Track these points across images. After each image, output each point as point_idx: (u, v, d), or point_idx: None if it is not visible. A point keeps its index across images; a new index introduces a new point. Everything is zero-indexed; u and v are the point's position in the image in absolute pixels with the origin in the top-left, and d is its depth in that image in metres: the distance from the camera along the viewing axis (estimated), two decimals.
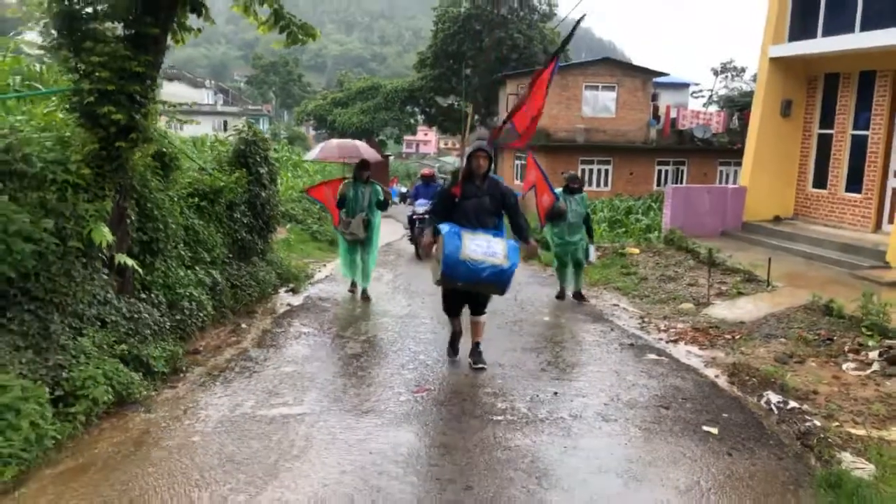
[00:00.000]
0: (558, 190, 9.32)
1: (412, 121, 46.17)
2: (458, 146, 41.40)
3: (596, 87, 28.04)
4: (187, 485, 3.75)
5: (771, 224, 13.58)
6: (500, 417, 5.00)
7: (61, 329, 4.97)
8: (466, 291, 5.93)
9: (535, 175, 9.34)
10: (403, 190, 42.85)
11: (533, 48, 38.20)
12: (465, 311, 6.31)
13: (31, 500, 3.55)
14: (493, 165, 6.19)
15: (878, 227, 12.17)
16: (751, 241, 12.88)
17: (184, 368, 5.84)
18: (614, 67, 29.02)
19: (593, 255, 9.79)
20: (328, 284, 10.57)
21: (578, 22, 7.11)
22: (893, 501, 3.83)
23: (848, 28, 11.91)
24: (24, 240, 4.52)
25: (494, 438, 4.60)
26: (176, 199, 7.37)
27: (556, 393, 5.58)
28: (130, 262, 6.02)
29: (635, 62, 39.69)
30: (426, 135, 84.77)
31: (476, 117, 40.55)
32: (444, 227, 5.78)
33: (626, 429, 4.90)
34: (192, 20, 6.56)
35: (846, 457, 4.62)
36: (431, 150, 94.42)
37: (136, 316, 5.90)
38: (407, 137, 52.04)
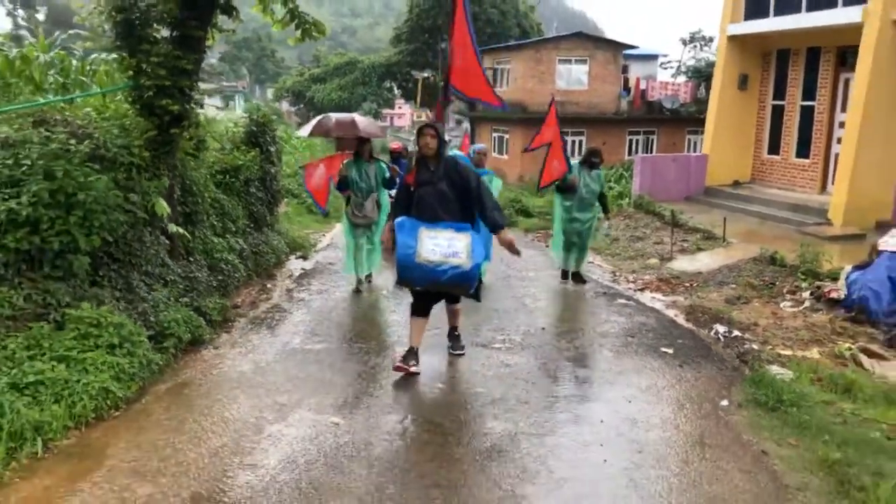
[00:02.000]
0: (575, 162, 8.90)
1: (390, 95, 46.95)
2: (430, 116, 42.36)
3: (569, 61, 29.11)
4: (267, 395, 4.92)
5: (730, 188, 14.91)
6: (499, 346, 6.22)
7: (139, 284, 6.09)
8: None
9: (553, 133, 8.59)
10: None
11: (507, 22, 39.12)
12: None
13: (151, 406, 4.69)
14: (444, 142, 5.50)
15: (823, 188, 13.55)
16: (712, 204, 14.19)
17: (231, 318, 6.96)
18: (586, 41, 30.08)
19: (608, 231, 9.73)
20: (332, 251, 11.66)
21: None
22: (792, 385, 5.11)
23: (795, 9, 13.16)
24: (119, 212, 5.60)
25: (498, 359, 5.83)
26: (207, 176, 8.43)
27: (543, 328, 6.81)
28: (182, 230, 7.14)
29: (606, 33, 40.81)
30: (400, 108, 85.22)
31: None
32: (398, 224, 5.24)
33: (601, 351, 6.16)
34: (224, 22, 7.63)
35: (773, 368, 5.89)
36: (406, 123, 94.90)
37: (189, 275, 7.01)
38: (385, 111, 52.70)
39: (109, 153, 5.98)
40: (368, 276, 8.75)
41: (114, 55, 8.66)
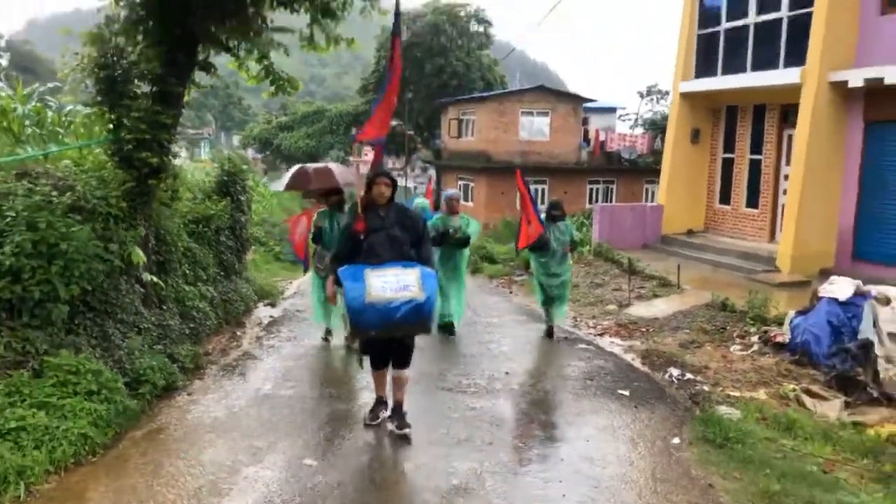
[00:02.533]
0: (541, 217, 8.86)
1: (356, 144, 47.50)
2: (398, 165, 42.99)
3: (531, 113, 30.03)
4: (242, 439, 5.11)
5: (685, 236, 15.52)
6: (464, 390, 6.49)
7: (114, 332, 6.25)
8: (389, 338, 5.10)
9: (523, 200, 8.75)
10: None
11: (471, 74, 40.15)
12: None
13: (129, 451, 4.85)
14: (395, 192, 5.34)
15: (772, 237, 14.20)
16: (667, 252, 14.75)
17: (203, 365, 7.12)
18: (548, 94, 31.12)
19: None
20: (299, 299, 11.84)
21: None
22: (738, 424, 5.47)
23: (742, 69, 13.97)
24: (97, 261, 5.81)
25: (463, 403, 6.10)
26: (181, 225, 8.65)
27: (507, 372, 7.09)
28: (155, 279, 7.34)
29: (567, 85, 42.07)
30: (367, 155, 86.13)
31: (418, 139, 42.28)
32: (342, 272, 5.01)
33: (562, 393, 6.48)
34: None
35: (722, 408, 6.25)
36: (352, 170, 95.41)
37: (162, 323, 7.18)
38: (352, 158, 53.28)
39: (89, 204, 6.19)
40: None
41: (90, 108, 8.97)
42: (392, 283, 4.85)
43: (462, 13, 42.48)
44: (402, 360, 5.28)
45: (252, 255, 15.61)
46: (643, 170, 30.00)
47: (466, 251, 9.00)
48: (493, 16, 43.34)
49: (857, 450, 5.34)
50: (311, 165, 9.23)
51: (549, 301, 8.86)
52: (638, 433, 5.50)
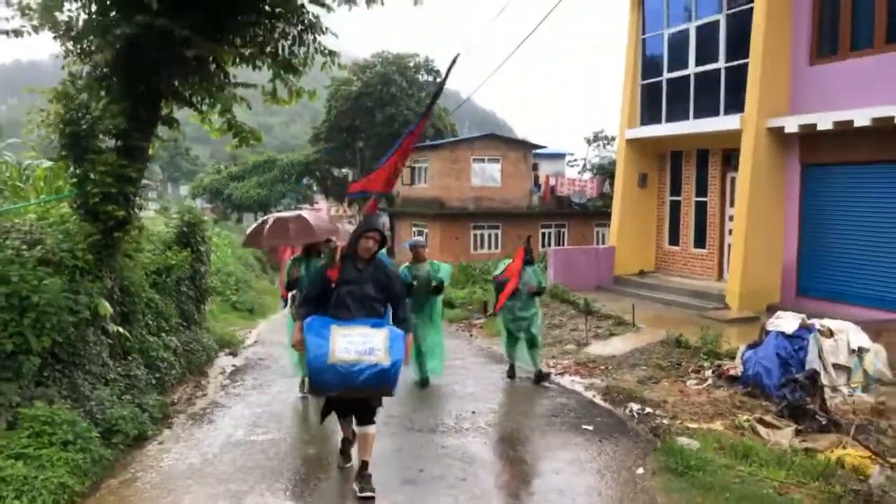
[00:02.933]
0: (507, 261, 9.12)
1: (309, 192, 47.66)
2: (347, 212, 43.20)
3: (483, 160, 30.70)
4: (219, 484, 5.15)
5: (637, 277, 16.02)
6: (433, 430, 6.63)
7: (83, 383, 6.24)
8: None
9: (515, 267, 8.71)
10: None
11: None
12: None
13: (107, 499, 4.86)
14: (381, 248, 5.24)
15: (720, 275, 14.79)
16: (621, 292, 15.19)
17: (171, 415, 7.11)
18: (498, 142, 31.91)
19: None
20: (260, 347, 11.85)
21: (453, 62, 6.15)
22: (698, 453, 5.73)
23: (684, 116, 14.71)
24: (67, 313, 5.84)
25: (434, 441, 6.23)
26: (143, 276, 8.66)
27: (473, 412, 7.25)
28: (121, 330, 7.34)
29: (515, 132, 43.05)
30: (317, 203, 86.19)
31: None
32: (307, 325, 4.87)
33: (528, 430, 6.66)
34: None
35: (681, 439, 6.50)
36: (323, 216, 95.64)
37: (129, 374, 7.16)
38: (304, 206, 53.31)
39: (56, 257, 6.23)
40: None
41: (49, 162, 9.00)
42: (357, 345, 4.68)
43: (411, 63, 43.43)
44: (366, 418, 5.05)
45: (210, 304, 15.57)
46: (593, 213, 30.81)
47: (439, 299, 8.72)
48: (440, 65, 44.37)
49: (808, 473, 5.62)
50: (288, 216, 8.62)
51: (514, 343, 8.88)
52: (604, 465, 5.71)
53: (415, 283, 8.25)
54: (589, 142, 50.05)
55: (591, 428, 6.73)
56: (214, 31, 7.21)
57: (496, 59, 20.55)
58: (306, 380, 5.12)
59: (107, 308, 6.85)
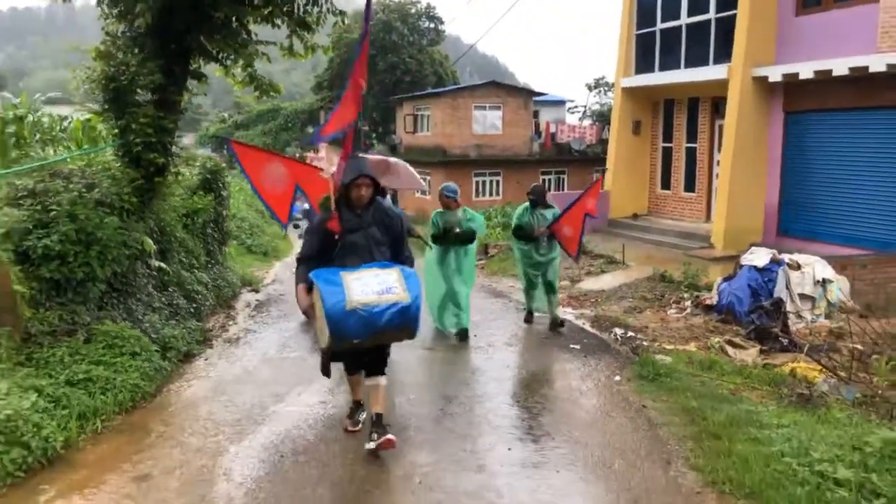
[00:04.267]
0: (524, 205, 8.62)
1: (312, 140, 48.14)
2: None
3: (484, 108, 31.20)
4: (263, 387, 6.13)
5: (630, 220, 16.89)
6: (433, 348, 7.61)
7: (136, 309, 7.19)
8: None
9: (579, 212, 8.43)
10: (306, 206, 44.61)
11: (424, 71, 41.17)
12: None
13: (171, 398, 5.84)
14: (376, 193, 4.83)
15: (707, 217, 15.64)
16: (615, 234, 16.08)
17: (209, 338, 8.07)
18: (499, 89, 32.32)
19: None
20: (279, 285, 12.78)
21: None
22: (668, 366, 6.69)
23: (676, 65, 15.37)
24: (123, 247, 6.75)
25: (442, 358, 7.21)
26: (176, 218, 9.55)
27: (475, 335, 8.20)
28: (162, 264, 8.27)
29: (517, 78, 43.23)
30: (318, 151, 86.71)
31: (374, 135, 43.11)
32: (315, 275, 4.49)
33: (523, 349, 7.64)
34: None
35: (657, 357, 7.47)
36: (324, 164, 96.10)
37: (171, 303, 8.12)
38: (309, 155, 53.81)
39: (108, 199, 7.11)
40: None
41: (87, 115, 9.80)
42: (373, 286, 4.37)
43: (413, 10, 43.48)
44: (378, 367, 4.83)
45: (229, 247, 16.51)
46: (592, 159, 31.40)
47: (471, 249, 8.26)
48: (441, 12, 44.44)
49: (762, 381, 6.58)
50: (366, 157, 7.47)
51: (532, 289, 8.77)
52: (586, 374, 6.69)
53: (445, 230, 7.98)
54: (590, 88, 50.31)
55: (577, 347, 7.69)
56: None
57: (499, 4, 20.98)
58: (324, 335, 4.46)
59: (151, 245, 7.79)
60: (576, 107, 43.40)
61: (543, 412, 5.61)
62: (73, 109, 14.49)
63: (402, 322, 4.41)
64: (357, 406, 5.26)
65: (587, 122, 37.92)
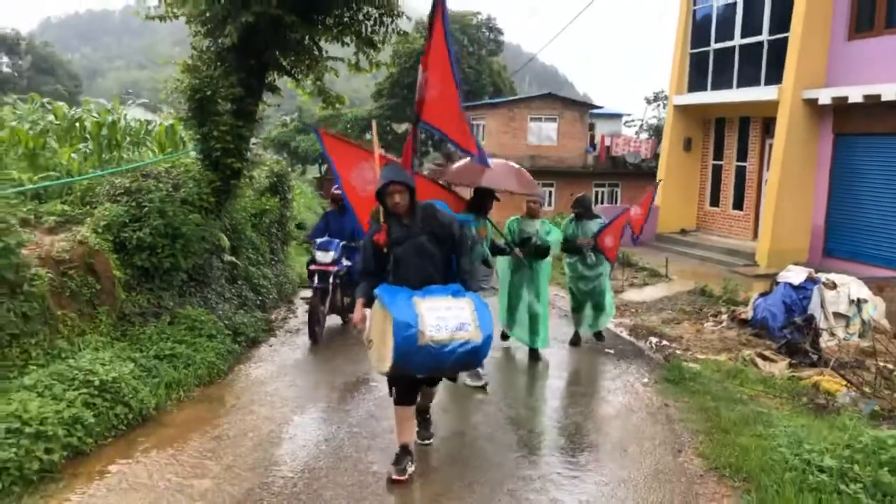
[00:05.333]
0: (568, 217, 8.57)
1: (370, 147, 49.30)
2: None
3: (540, 119, 31.73)
4: (315, 372, 6.85)
5: (678, 235, 17.21)
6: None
7: (211, 298, 8.01)
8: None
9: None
10: None
11: (482, 80, 41.93)
12: None
13: (242, 376, 6.60)
14: (413, 197, 4.50)
15: (755, 236, 15.87)
16: (661, 248, 16.43)
17: (273, 328, 8.85)
18: (556, 101, 32.79)
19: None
20: None
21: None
22: (692, 371, 7.16)
23: (728, 85, 15.68)
24: (202, 242, 7.57)
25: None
26: (245, 217, 10.40)
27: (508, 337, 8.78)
28: (234, 259, 9.10)
29: (576, 87, 43.43)
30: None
31: (430, 143, 43.99)
32: (383, 294, 4.23)
33: (564, 352, 8.18)
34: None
35: (687, 364, 7.94)
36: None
37: (240, 294, 8.94)
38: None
39: (191, 198, 7.95)
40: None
41: (170, 120, 10.74)
42: (448, 320, 4.11)
43: (473, 21, 44.30)
44: (436, 383, 4.85)
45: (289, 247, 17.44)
46: (647, 173, 31.58)
47: (547, 263, 7.79)
48: (502, 24, 45.11)
49: (784, 390, 7.00)
50: (500, 163, 7.39)
51: (580, 307, 8.45)
52: (616, 375, 7.22)
53: (522, 241, 7.55)
54: (648, 102, 50.27)
55: (612, 352, 8.21)
56: (311, 15, 8.74)
57: (560, 15, 21.49)
58: (381, 361, 4.19)
59: (225, 241, 8.62)
60: (632, 120, 43.46)
61: (572, 405, 6.18)
62: (143, 110, 15.54)
63: (470, 360, 4.27)
64: (404, 452, 4.53)
65: (643, 136, 38.03)
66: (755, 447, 4.74)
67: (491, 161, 6.61)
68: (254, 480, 4.33)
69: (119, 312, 6.39)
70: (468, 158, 6.35)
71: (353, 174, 5.64)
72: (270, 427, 5.27)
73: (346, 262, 8.73)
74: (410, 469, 4.51)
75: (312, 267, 8.52)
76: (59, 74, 68.10)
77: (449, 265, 4.57)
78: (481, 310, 4.27)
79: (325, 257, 8.46)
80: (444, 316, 4.12)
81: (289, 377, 6.67)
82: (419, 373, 4.21)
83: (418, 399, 4.73)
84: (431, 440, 5.04)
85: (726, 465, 4.62)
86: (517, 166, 7.43)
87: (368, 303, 4.45)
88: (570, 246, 8.22)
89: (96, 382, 4.91)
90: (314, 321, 8.05)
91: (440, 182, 6.74)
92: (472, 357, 4.21)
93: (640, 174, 31.96)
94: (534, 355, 7.75)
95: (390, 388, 4.62)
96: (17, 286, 5.25)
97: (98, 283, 6.15)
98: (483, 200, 6.78)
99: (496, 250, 7.14)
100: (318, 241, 8.77)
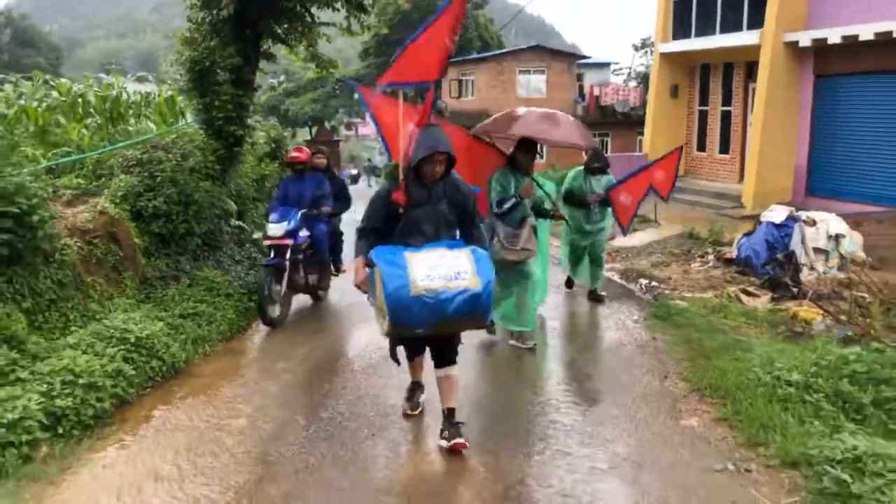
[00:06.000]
0: (578, 169, 8.19)
1: (358, 107, 49.30)
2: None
3: (528, 72, 31.88)
4: (327, 324, 7.33)
5: None
6: None
7: (224, 261, 8.45)
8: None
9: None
10: (354, 172, 45.83)
11: (468, 35, 41.75)
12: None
13: (257, 334, 7.08)
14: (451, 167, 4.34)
15: (741, 179, 16.32)
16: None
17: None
18: (543, 53, 32.90)
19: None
20: None
21: None
22: (679, 308, 7.67)
23: (711, 31, 15.96)
24: (212, 208, 7.98)
25: None
26: (248, 182, 10.79)
27: None
28: (241, 223, 9.52)
29: (563, 37, 43.27)
30: (367, 122, 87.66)
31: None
32: (376, 254, 4.09)
33: (558, 297, 8.67)
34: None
35: (674, 302, 8.44)
36: (371, 132, 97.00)
37: (249, 256, 9.38)
38: (357, 121, 55.06)
39: (198, 167, 8.34)
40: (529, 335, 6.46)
41: (168, 92, 11.04)
42: (441, 270, 3.95)
43: None
44: (449, 356, 4.42)
45: None
46: (636, 121, 31.85)
47: (545, 226, 6.91)
48: None
49: (765, 321, 7.51)
50: (532, 112, 6.52)
51: (578, 261, 8.34)
52: (609, 314, 7.73)
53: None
54: (636, 49, 50.15)
55: (604, 293, 8.70)
56: None
57: None
58: (384, 321, 4.06)
59: (232, 206, 9.04)
60: (620, 69, 43.50)
61: (569, 343, 6.70)
62: (131, 79, 15.75)
63: (472, 311, 3.96)
64: (416, 386, 4.82)
65: (632, 84, 38.15)
66: (732, 369, 5.25)
67: (523, 110, 6.37)
68: (283, 418, 4.84)
69: (141, 277, 6.85)
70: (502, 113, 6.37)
71: (397, 133, 4.94)
72: (290, 374, 5.77)
73: (304, 234, 7.67)
74: (420, 399, 4.82)
75: (266, 242, 7.57)
76: (40, 47, 67.42)
77: (457, 232, 4.42)
78: (480, 258, 4.07)
79: (277, 230, 7.33)
80: (435, 265, 3.97)
81: (306, 332, 7.15)
82: (419, 328, 4.00)
83: (441, 397, 4.44)
84: (465, 440, 4.27)
85: (707, 385, 5.15)
86: (557, 113, 6.58)
87: (370, 263, 4.15)
88: (577, 200, 7.92)
89: (132, 339, 5.37)
90: (266, 301, 6.94)
91: (482, 137, 6.37)
92: (472, 305, 3.93)
93: (630, 122, 32.23)
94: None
95: (393, 351, 4.52)
96: (50, 256, 5.69)
97: (121, 251, 6.60)
98: (522, 154, 6.18)
99: (539, 213, 6.46)
100: (272, 213, 7.62)
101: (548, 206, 6.62)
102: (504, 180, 6.12)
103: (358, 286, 4.29)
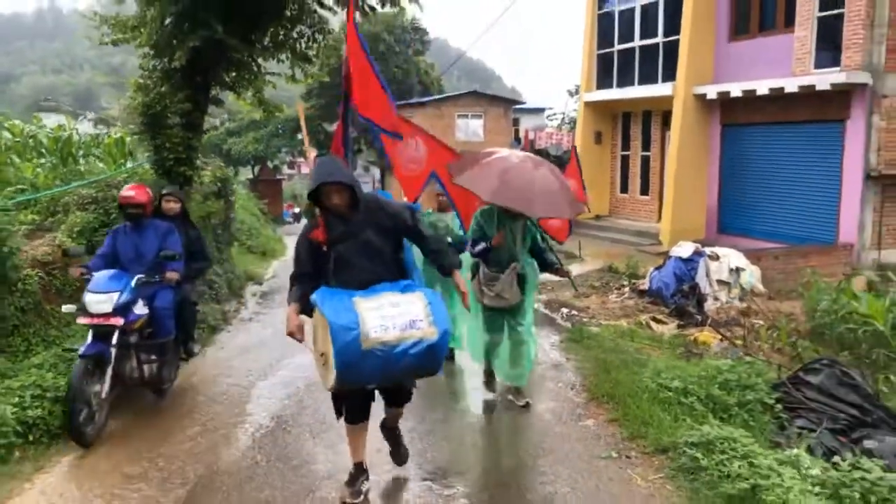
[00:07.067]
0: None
1: (301, 147, 49.91)
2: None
3: (466, 116, 33.15)
4: (272, 350, 7.94)
5: (594, 220, 18.80)
6: None
7: None
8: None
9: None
10: (297, 210, 46.07)
11: (410, 80, 43.07)
12: None
13: (209, 355, 7.64)
14: (355, 196, 3.91)
15: (659, 218, 17.57)
16: (579, 234, 17.77)
17: (228, 318, 9.85)
18: (481, 99, 34.26)
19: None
20: (278, 280, 14.57)
21: None
22: (592, 333, 8.54)
23: (631, 83, 17.34)
24: None
25: None
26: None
27: None
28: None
29: (505, 82, 44.86)
30: (310, 156, 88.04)
31: (362, 141, 44.95)
32: (320, 299, 3.72)
33: None
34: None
35: (590, 328, 9.33)
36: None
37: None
38: (299, 160, 55.52)
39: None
40: (517, 390, 5.94)
41: (118, 133, 11.57)
42: (395, 319, 3.62)
43: (398, 22, 45.36)
44: (402, 400, 4.25)
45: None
46: (567, 163, 33.36)
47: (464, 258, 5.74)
48: (426, 24, 46.37)
49: (668, 344, 8.45)
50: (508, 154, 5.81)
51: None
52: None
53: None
54: (571, 94, 52.34)
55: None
56: (251, 35, 9.76)
57: (485, 9, 22.76)
58: (329, 375, 3.67)
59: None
60: (554, 114, 45.37)
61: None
62: (65, 117, 16.16)
63: (427, 362, 3.68)
64: (359, 471, 4.22)
65: (565, 129, 39.91)
66: (626, 380, 6.10)
67: (503, 165, 5.49)
68: (232, 427, 5.45)
69: None
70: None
71: (396, 150, 4.91)
72: (239, 390, 6.38)
73: (140, 309, 5.53)
74: (366, 487, 4.21)
75: (82, 320, 5.30)
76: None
77: (400, 262, 4.08)
78: (435, 303, 3.75)
79: (100, 303, 5.21)
80: (389, 314, 3.60)
81: (251, 355, 7.77)
82: (370, 383, 3.77)
83: (384, 419, 4.35)
84: (406, 458, 4.47)
85: (604, 394, 6.00)
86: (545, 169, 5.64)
87: (304, 310, 3.94)
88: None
89: None
90: (77, 411, 4.81)
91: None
92: (428, 358, 3.65)
93: (562, 164, 33.52)
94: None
95: (336, 406, 4.15)
96: (14, 284, 6.21)
97: (77, 282, 7.09)
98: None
99: (543, 264, 5.97)
100: (96, 275, 5.50)
101: (551, 257, 5.95)
102: (485, 220, 5.62)
103: (291, 335, 3.95)
